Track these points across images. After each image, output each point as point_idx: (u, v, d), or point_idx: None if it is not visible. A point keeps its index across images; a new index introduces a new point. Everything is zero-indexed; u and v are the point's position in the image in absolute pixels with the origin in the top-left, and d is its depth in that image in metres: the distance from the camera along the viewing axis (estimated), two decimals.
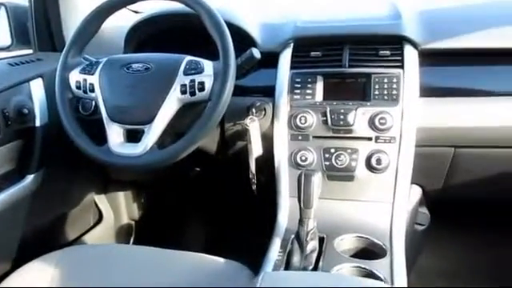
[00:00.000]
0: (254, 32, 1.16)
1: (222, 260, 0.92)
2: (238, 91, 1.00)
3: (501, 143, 1.06)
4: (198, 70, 0.96)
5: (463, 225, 1.51)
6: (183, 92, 0.95)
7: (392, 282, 0.83)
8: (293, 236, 0.92)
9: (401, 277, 0.85)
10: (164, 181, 1.57)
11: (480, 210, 1.46)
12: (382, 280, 0.83)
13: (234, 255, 0.95)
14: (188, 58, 0.99)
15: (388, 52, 1.05)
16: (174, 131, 0.99)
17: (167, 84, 0.95)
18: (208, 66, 0.96)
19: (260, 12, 1.27)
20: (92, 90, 1.00)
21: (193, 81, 0.95)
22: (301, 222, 0.88)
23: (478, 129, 1.03)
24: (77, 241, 1.45)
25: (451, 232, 1.51)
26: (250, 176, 1.08)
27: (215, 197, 1.68)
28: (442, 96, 1.05)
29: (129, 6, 1.06)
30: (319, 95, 1.06)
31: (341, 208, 1.03)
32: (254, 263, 0.92)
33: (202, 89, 0.94)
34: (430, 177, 1.15)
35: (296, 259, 0.88)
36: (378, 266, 0.87)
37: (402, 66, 1.03)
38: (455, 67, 1.07)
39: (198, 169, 1.41)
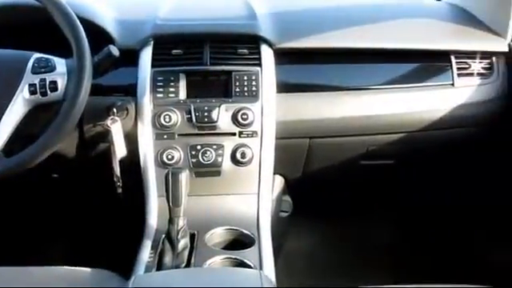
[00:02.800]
0: (111, 28, 1.11)
1: (88, 270, 0.86)
2: (97, 90, 0.95)
3: (348, 132, 1.18)
4: (49, 69, 0.89)
5: (323, 209, 1.66)
6: (32, 92, 0.88)
7: (261, 268, 0.87)
8: (163, 236, 0.91)
9: (269, 263, 0.90)
10: (15, 192, 1.42)
11: (336, 194, 1.62)
12: (251, 267, 0.87)
13: (103, 263, 0.90)
14: (36, 55, 0.91)
15: (246, 51, 1.10)
16: (24, 136, 0.90)
17: (12, 84, 0.87)
18: (60, 63, 0.90)
19: (115, 6, 1.22)
20: None
21: (43, 80, 0.88)
22: (171, 220, 0.88)
23: (328, 120, 1.14)
24: None
25: (313, 216, 1.64)
26: (115, 179, 1.04)
27: (78, 204, 1.57)
28: (297, 91, 1.13)
29: None
30: (182, 93, 1.06)
31: (210, 203, 1.05)
32: (126, 269, 0.89)
33: (54, 89, 0.88)
34: (290, 166, 1.24)
35: (168, 259, 0.87)
36: (248, 254, 0.91)
37: (259, 64, 1.09)
38: (307, 65, 1.16)
39: (55, 175, 1.30)
